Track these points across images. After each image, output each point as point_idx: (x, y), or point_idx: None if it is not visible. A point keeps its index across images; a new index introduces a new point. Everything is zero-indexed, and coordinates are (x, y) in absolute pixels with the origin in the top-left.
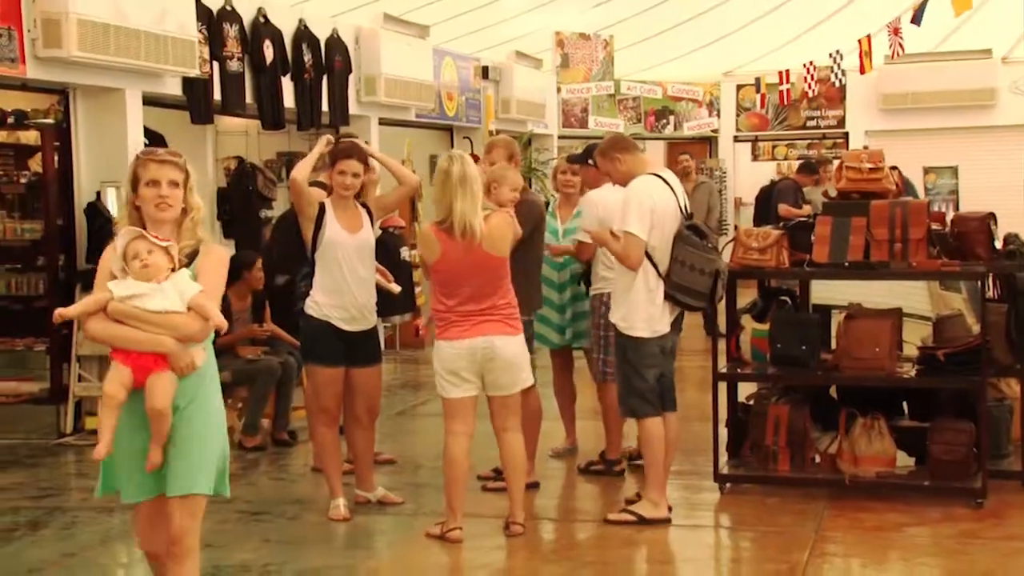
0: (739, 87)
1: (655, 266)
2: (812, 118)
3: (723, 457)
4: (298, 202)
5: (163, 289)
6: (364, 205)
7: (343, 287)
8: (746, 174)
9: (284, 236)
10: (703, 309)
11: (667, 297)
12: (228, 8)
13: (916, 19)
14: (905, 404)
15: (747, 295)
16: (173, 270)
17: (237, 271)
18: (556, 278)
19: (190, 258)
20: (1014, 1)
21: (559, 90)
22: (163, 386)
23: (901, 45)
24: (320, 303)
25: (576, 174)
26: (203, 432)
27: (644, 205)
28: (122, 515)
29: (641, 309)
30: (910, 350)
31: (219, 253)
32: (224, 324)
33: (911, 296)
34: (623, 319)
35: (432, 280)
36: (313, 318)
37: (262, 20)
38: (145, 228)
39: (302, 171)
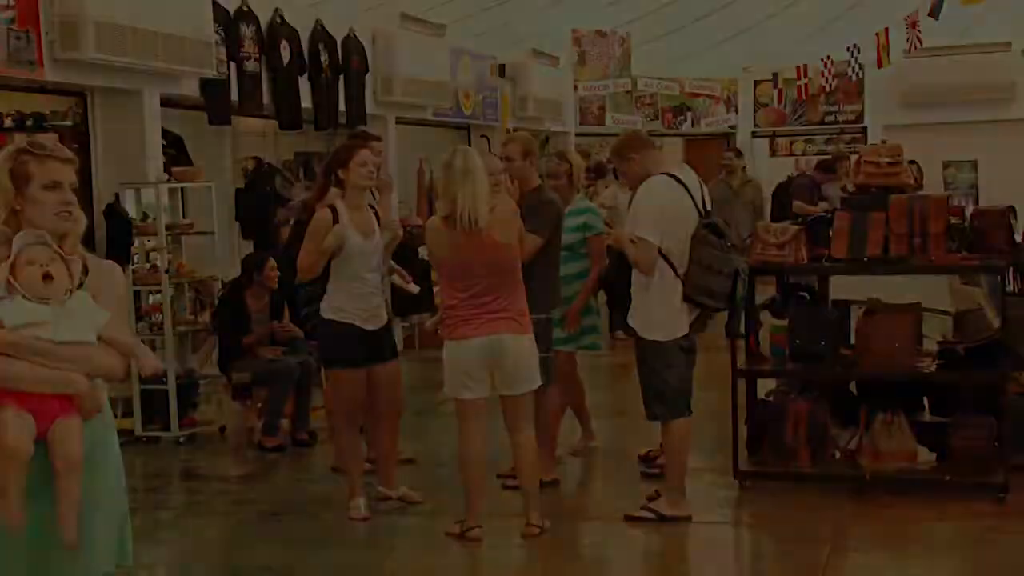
0: (756, 83)
1: (673, 268)
2: (830, 113)
3: (743, 454)
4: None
5: (70, 314)
6: (371, 207)
7: (365, 290)
8: (764, 170)
9: (302, 237)
10: (723, 310)
11: (686, 299)
12: (245, 9)
13: (934, 12)
14: (925, 399)
15: (766, 291)
16: (69, 293)
17: (250, 274)
18: None
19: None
20: None
21: (576, 88)
22: (76, 433)
23: (919, 39)
24: (343, 307)
25: (560, 179)
26: (105, 492)
27: (654, 208)
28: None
29: (658, 312)
30: (930, 345)
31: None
32: (161, 369)
33: (931, 290)
34: (640, 322)
35: (442, 274)
36: (338, 323)
37: (279, 20)
38: None
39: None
